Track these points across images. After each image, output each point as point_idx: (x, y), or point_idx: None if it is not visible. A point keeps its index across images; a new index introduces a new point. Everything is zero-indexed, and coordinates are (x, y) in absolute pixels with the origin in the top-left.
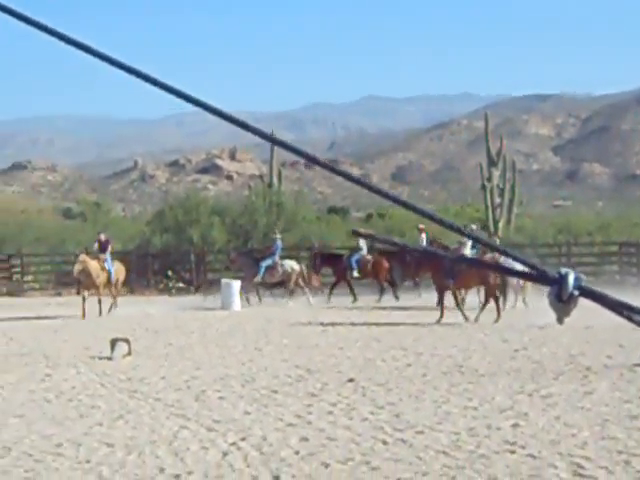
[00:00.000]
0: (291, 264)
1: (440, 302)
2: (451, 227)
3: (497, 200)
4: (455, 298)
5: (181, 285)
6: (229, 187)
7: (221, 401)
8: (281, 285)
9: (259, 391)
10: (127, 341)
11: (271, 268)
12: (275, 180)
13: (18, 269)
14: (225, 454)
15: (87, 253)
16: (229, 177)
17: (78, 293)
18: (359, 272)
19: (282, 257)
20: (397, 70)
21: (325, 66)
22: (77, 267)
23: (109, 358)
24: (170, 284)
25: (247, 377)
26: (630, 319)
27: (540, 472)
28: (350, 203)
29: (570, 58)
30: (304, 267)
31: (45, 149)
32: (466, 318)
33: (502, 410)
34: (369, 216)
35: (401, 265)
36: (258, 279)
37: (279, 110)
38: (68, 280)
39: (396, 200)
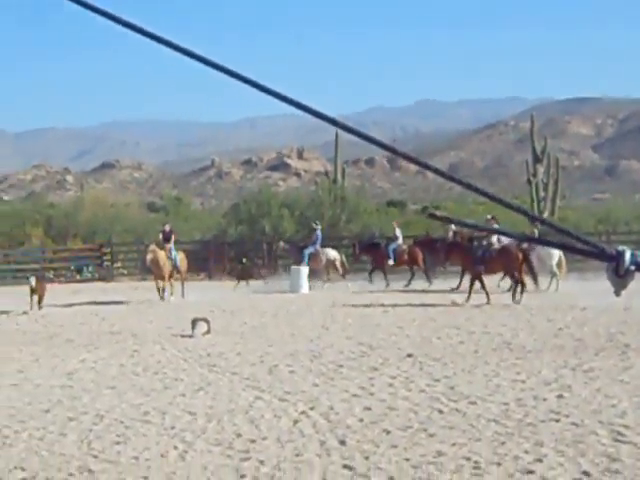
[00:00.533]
0: (333, 252)
1: (470, 286)
2: (525, 213)
3: (542, 194)
4: (481, 282)
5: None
6: (297, 183)
7: (291, 374)
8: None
9: (326, 365)
10: (206, 321)
11: (314, 256)
12: (339, 176)
13: (108, 257)
14: (296, 422)
15: (156, 244)
16: (297, 174)
17: (170, 280)
18: (395, 260)
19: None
20: (449, 75)
21: (383, 73)
22: (148, 257)
23: (190, 336)
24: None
25: (315, 353)
26: None
27: (583, 439)
28: (407, 197)
29: (610, 63)
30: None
31: (132, 150)
32: (489, 300)
33: (547, 383)
34: (424, 208)
35: (431, 253)
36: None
37: (343, 113)
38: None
39: (477, 190)
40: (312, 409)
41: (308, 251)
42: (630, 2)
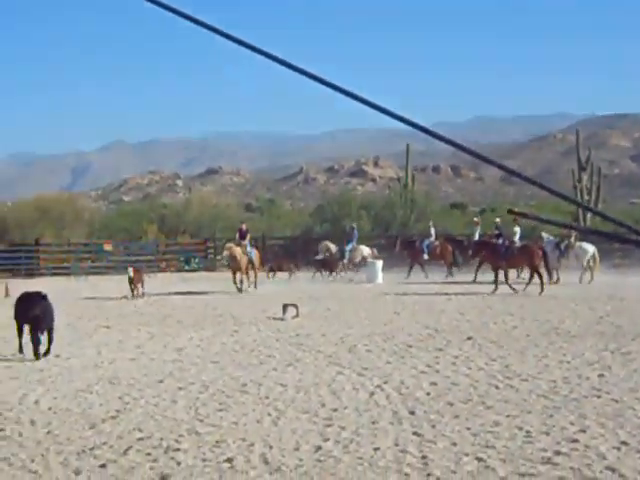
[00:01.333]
0: (367, 249)
1: (495, 278)
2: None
3: (586, 197)
4: (505, 275)
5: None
6: (373, 188)
7: (368, 353)
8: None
9: (397, 346)
10: (295, 306)
11: (353, 251)
12: (409, 182)
13: (212, 250)
14: (372, 394)
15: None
16: (373, 180)
17: (247, 273)
18: (429, 254)
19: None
20: (503, 93)
21: (441, 90)
22: (225, 253)
23: (282, 319)
24: None
25: (388, 335)
26: None
27: (622, 413)
28: (467, 200)
29: None
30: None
31: (231, 158)
32: (515, 290)
33: (590, 363)
34: (482, 210)
35: (460, 249)
36: (345, 260)
37: (408, 128)
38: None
39: (545, 188)
40: (386, 383)
41: (348, 247)
42: None
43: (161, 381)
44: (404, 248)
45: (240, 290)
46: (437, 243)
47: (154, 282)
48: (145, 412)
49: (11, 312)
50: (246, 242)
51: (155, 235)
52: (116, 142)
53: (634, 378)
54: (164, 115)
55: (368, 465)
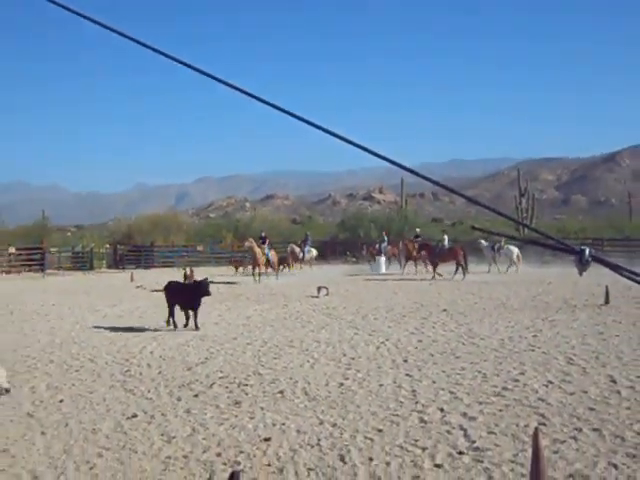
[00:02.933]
0: (314, 250)
1: (433, 270)
2: (513, 220)
3: (524, 215)
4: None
5: (353, 259)
6: (379, 208)
7: (375, 320)
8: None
9: (395, 315)
10: (326, 288)
11: (309, 252)
12: (404, 204)
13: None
14: (377, 347)
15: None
16: (379, 202)
17: (265, 268)
18: (441, 257)
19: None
20: (471, 139)
21: (426, 134)
22: (246, 244)
23: (316, 296)
24: (347, 258)
25: (388, 307)
26: (630, 278)
27: (549, 361)
28: (444, 216)
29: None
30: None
31: (283, 188)
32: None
33: (527, 327)
34: (454, 224)
35: (431, 252)
36: (306, 257)
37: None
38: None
39: (495, 210)
40: (387, 340)
41: (306, 249)
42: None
43: (235, 338)
44: (422, 250)
45: (257, 281)
46: (447, 248)
47: (230, 272)
48: (224, 359)
49: (133, 292)
50: (265, 246)
51: (231, 240)
52: (205, 177)
53: (557, 338)
54: (239, 157)
55: (375, 396)
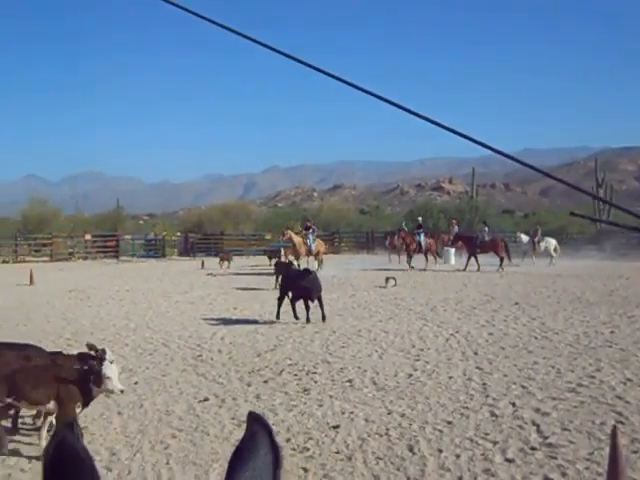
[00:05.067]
0: (429, 240)
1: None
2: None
3: (601, 208)
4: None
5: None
6: (448, 198)
7: (444, 312)
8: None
9: (465, 307)
10: (394, 278)
11: (314, 242)
12: (474, 194)
13: (337, 240)
14: (447, 339)
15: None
16: (448, 193)
17: (306, 257)
18: (481, 248)
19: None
20: (544, 127)
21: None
22: (286, 236)
23: (384, 287)
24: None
25: (458, 299)
26: None
27: (627, 358)
28: (515, 207)
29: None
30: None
31: (350, 177)
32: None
33: (604, 323)
34: (526, 215)
35: (469, 243)
36: (417, 248)
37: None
38: (364, 246)
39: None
40: (457, 332)
41: (419, 239)
42: None
43: (303, 327)
44: (462, 241)
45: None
46: (488, 239)
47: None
48: (293, 347)
49: (204, 279)
50: (308, 233)
51: (299, 229)
52: (273, 167)
53: (637, 334)
54: (307, 147)
55: (445, 388)
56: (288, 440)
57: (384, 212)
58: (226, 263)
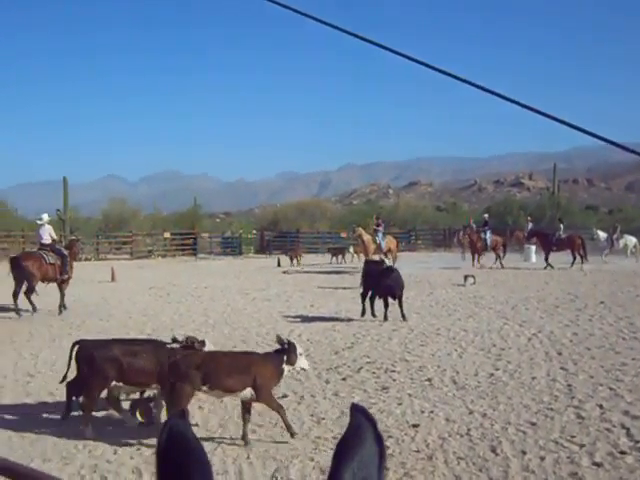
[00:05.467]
0: (496, 237)
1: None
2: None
3: None
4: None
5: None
6: (528, 195)
7: (526, 310)
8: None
9: (548, 306)
10: (473, 276)
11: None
12: (556, 190)
13: (413, 237)
14: (529, 339)
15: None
16: (528, 189)
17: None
18: (557, 246)
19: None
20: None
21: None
22: (356, 234)
23: (463, 285)
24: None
25: (540, 298)
26: None
27: None
28: (599, 203)
29: None
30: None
31: (427, 174)
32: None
33: None
34: (611, 211)
35: (545, 240)
36: (483, 246)
37: (555, 151)
38: (441, 243)
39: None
40: (540, 332)
41: (485, 236)
42: None
43: (380, 325)
44: (537, 237)
45: None
46: (564, 236)
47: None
48: (370, 345)
49: (280, 277)
50: (379, 230)
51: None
52: (348, 164)
53: None
54: (382, 144)
55: (528, 388)
56: None
57: (461, 209)
58: (295, 260)
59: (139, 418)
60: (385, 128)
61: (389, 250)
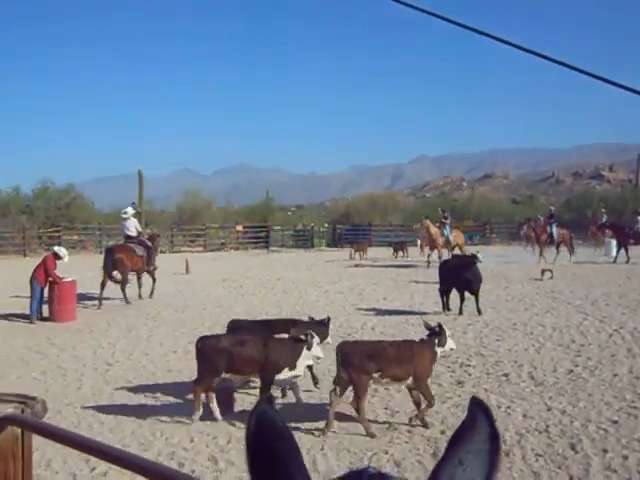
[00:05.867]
0: (563, 231)
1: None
2: None
3: None
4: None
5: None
6: (608, 187)
7: (607, 306)
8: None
9: (630, 302)
10: (550, 270)
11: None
12: (639, 182)
13: (488, 230)
14: (610, 335)
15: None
16: (608, 181)
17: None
18: (635, 239)
19: None
20: None
21: None
22: (423, 226)
23: (540, 279)
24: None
25: (621, 293)
26: None
27: None
28: None
29: None
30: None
31: (502, 166)
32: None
33: None
34: None
35: (621, 234)
36: (547, 239)
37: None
38: (516, 237)
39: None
40: (622, 328)
41: (550, 230)
42: None
43: (455, 318)
44: (611, 229)
45: (429, 264)
46: None
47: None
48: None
49: (352, 270)
50: (446, 222)
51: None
52: (421, 156)
53: None
54: (455, 135)
55: (609, 385)
56: (442, 432)
57: (538, 202)
58: (358, 254)
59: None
60: (459, 119)
61: (456, 244)
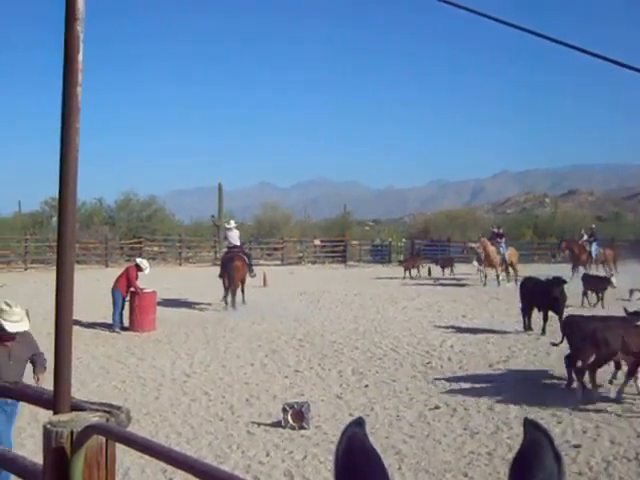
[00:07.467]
0: (604, 251)
1: None
2: None
3: None
4: None
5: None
6: None
7: None
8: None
9: None
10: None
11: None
12: None
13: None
14: None
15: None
16: None
17: (499, 268)
18: None
19: None
20: None
21: None
22: (478, 244)
23: (627, 300)
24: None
25: None
26: None
27: None
28: None
29: None
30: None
31: (586, 182)
32: None
33: None
34: None
35: None
36: (588, 258)
37: None
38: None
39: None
40: None
41: (592, 248)
42: None
43: (538, 338)
44: None
45: (484, 282)
46: None
47: (531, 268)
48: (527, 359)
49: (429, 286)
50: (501, 241)
51: (530, 237)
52: (502, 172)
53: None
54: (538, 150)
55: None
56: None
57: (625, 219)
58: (409, 272)
59: (291, 422)
60: (541, 134)
61: (510, 263)
